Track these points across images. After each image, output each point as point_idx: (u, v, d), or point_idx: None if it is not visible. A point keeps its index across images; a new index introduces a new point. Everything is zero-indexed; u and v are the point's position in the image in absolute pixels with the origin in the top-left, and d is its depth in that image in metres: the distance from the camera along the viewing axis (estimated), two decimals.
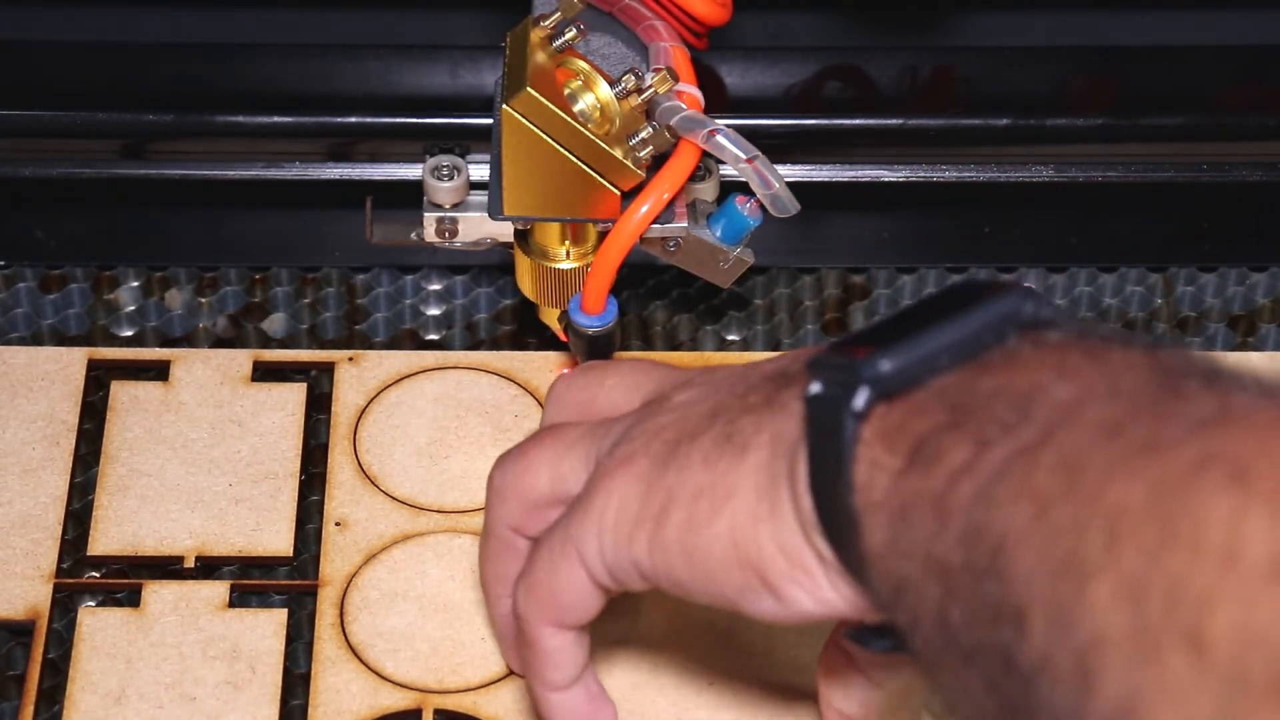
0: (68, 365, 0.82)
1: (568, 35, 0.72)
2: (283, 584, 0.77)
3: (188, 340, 0.86)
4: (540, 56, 0.71)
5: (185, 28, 0.96)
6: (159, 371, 0.82)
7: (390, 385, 0.82)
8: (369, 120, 0.88)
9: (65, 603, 0.76)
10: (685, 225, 0.74)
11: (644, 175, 0.72)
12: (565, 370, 0.82)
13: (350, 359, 0.83)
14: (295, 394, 0.81)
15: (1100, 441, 0.48)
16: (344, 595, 0.76)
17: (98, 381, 0.82)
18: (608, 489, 0.60)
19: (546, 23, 0.72)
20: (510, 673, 0.73)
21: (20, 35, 0.94)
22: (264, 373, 0.82)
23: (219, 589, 0.76)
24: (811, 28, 0.97)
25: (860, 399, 0.53)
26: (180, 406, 0.81)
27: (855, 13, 0.96)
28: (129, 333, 0.87)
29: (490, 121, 0.76)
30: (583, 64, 0.73)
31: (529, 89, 0.70)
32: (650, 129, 0.71)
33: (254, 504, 0.78)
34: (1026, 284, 0.59)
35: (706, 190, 0.76)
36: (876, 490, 0.53)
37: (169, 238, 0.90)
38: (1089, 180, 0.89)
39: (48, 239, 0.89)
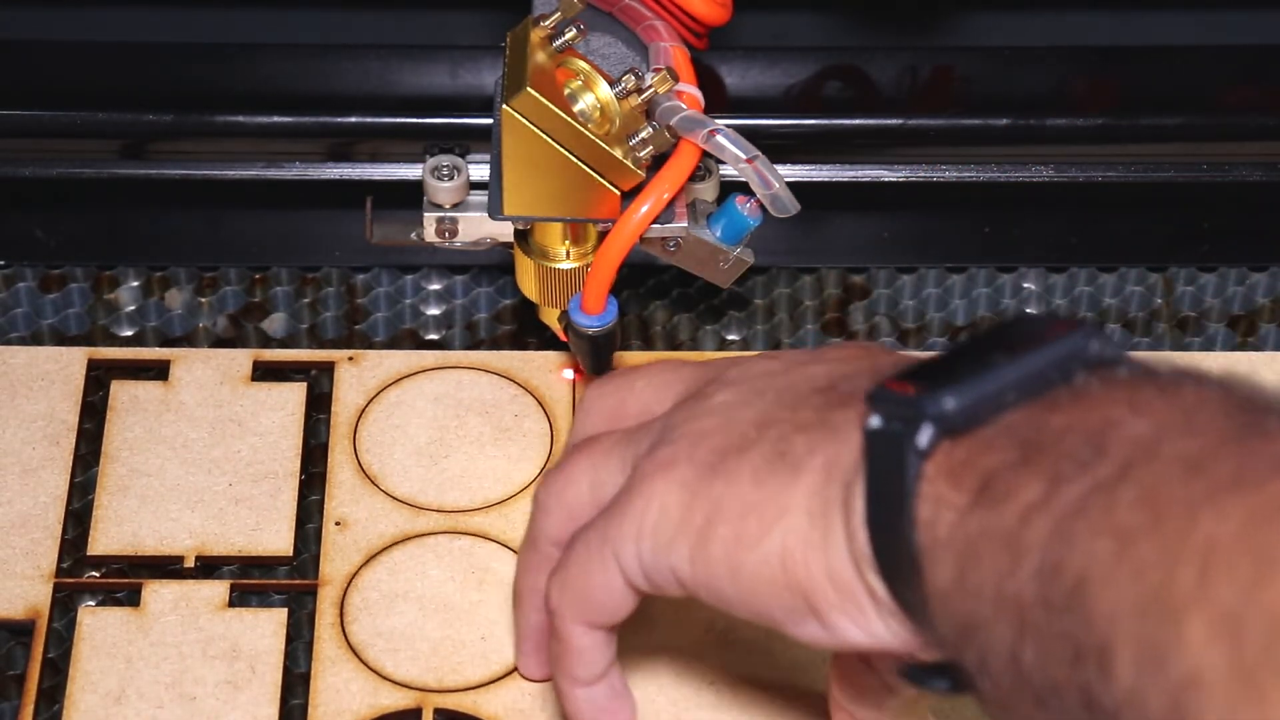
0: (68, 365, 0.82)
1: (568, 35, 0.72)
2: (283, 583, 0.77)
3: (188, 340, 0.86)
4: (540, 56, 0.71)
5: (185, 28, 0.96)
6: (159, 371, 0.82)
7: (390, 385, 0.82)
8: (369, 120, 0.88)
9: (65, 602, 0.76)
10: (685, 225, 0.74)
11: (644, 175, 0.72)
12: (566, 369, 0.82)
13: (350, 359, 0.83)
14: (295, 394, 0.81)
15: (1182, 477, 0.47)
16: (344, 595, 0.76)
17: (98, 381, 0.82)
18: (648, 493, 0.59)
19: (546, 23, 0.72)
20: (510, 672, 0.73)
21: (20, 35, 0.94)
22: (264, 372, 0.82)
23: (219, 589, 0.76)
24: (811, 28, 0.97)
25: (925, 436, 0.53)
26: (180, 406, 0.81)
27: (855, 13, 0.96)
28: (129, 332, 0.87)
29: (490, 121, 0.76)
30: (583, 64, 0.73)
31: (529, 89, 0.70)
32: (650, 129, 0.71)
33: (254, 504, 0.78)
34: (1084, 318, 0.58)
35: (706, 190, 0.76)
36: (941, 527, 0.52)
37: (169, 238, 0.90)
38: (1089, 180, 0.89)
39: (48, 239, 0.89)
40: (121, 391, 0.81)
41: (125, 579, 0.76)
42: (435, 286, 0.88)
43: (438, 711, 0.73)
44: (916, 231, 0.91)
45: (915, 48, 0.96)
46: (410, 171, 0.87)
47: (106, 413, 0.81)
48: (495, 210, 0.74)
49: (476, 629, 0.75)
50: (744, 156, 0.70)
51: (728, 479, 0.58)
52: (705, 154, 0.72)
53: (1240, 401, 0.50)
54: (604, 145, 0.71)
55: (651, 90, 0.72)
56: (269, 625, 0.75)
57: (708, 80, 0.85)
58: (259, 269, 0.88)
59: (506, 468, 0.79)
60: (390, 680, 0.73)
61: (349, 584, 0.76)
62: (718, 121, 0.71)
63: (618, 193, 0.72)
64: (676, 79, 0.72)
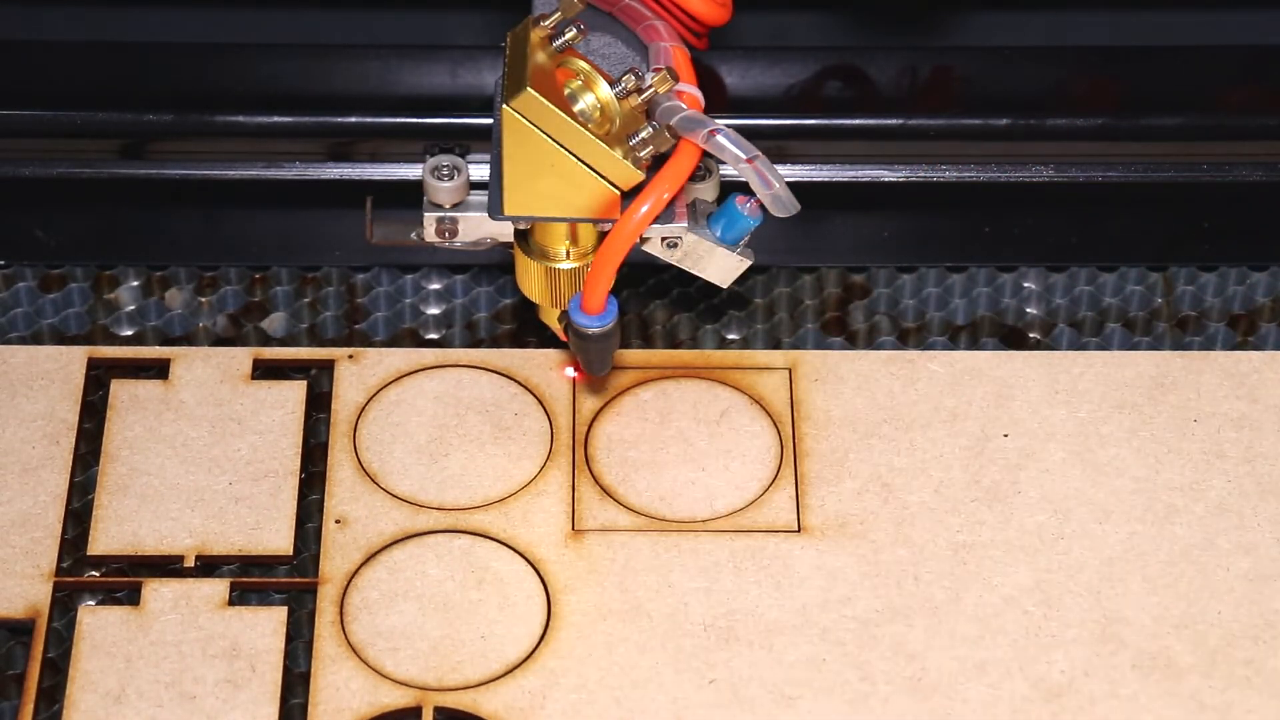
0: (68, 364, 0.82)
1: (568, 35, 0.72)
2: (283, 582, 0.77)
3: (187, 340, 0.86)
4: (540, 56, 0.72)
5: (185, 28, 0.96)
6: (159, 370, 0.82)
7: (390, 383, 0.82)
8: (369, 120, 0.88)
9: (65, 601, 0.76)
10: (685, 225, 0.74)
11: (644, 175, 0.72)
12: (567, 367, 0.82)
13: (350, 357, 0.83)
14: (295, 392, 0.81)
15: None
16: (344, 593, 0.76)
17: (98, 380, 0.82)
18: None
19: (547, 23, 0.72)
20: (510, 671, 0.74)
21: (20, 35, 0.94)
22: (264, 371, 0.82)
23: (219, 587, 0.76)
24: (811, 28, 0.97)
25: None
26: (180, 405, 0.81)
27: (855, 13, 0.96)
28: (129, 332, 0.87)
29: (490, 121, 0.76)
30: (583, 64, 0.73)
31: (529, 89, 0.70)
32: (650, 129, 0.71)
33: (254, 502, 0.78)
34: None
35: (706, 190, 0.76)
36: None
37: (169, 237, 0.90)
38: (1089, 180, 0.89)
39: (48, 239, 0.89)
40: (121, 390, 0.81)
41: (125, 578, 0.76)
42: (435, 286, 0.88)
43: (437, 710, 0.73)
44: (916, 231, 0.91)
45: (915, 48, 0.96)
46: (410, 171, 0.87)
47: (106, 412, 0.81)
48: (495, 210, 0.74)
49: (476, 628, 0.75)
50: (744, 156, 0.71)
51: None
52: (705, 154, 0.72)
53: None
54: (604, 145, 0.71)
55: (651, 90, 0.72)
56: (269, 624, 0.75)
57: (708, 80, 0.85)
58: (259, 269, 0.88)
59: (506, 466, 0.79)
60: (390, 679, 0.73)
61: (349, 582, 0.76)
62: (718, 121, 0.71)
63: (618, 193, 0.72)
64: (676, 79, 0.72)
